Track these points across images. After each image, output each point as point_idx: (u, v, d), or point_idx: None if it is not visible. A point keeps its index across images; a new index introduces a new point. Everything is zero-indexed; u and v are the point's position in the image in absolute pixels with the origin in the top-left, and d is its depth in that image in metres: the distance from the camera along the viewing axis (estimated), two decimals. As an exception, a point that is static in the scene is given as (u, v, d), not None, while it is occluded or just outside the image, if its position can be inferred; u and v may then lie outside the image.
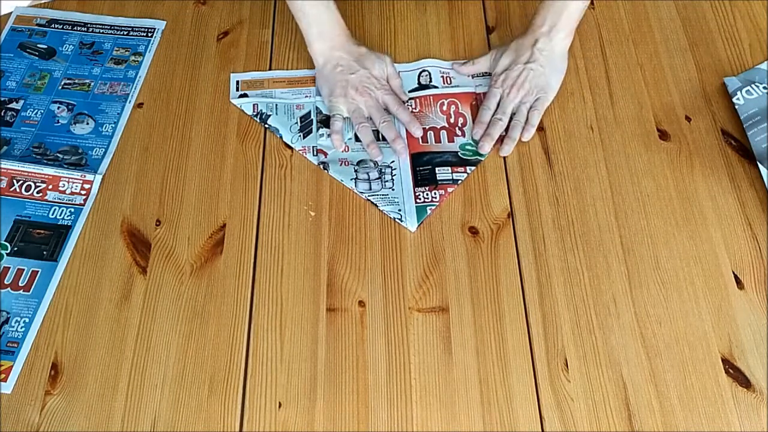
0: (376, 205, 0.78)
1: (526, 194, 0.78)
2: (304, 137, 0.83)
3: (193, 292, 0.73)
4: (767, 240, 0.74)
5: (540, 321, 0.70)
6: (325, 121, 0.84)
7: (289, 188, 0.80)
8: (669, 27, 0.92)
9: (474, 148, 0.81)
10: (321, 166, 0.81)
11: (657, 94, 0.86)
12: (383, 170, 0.80)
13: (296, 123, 0.84)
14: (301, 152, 0.82)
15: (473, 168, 0.80)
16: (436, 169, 0.80)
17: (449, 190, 0.78)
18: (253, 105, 0.85)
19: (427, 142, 0.82)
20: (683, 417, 0.65)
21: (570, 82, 0.87)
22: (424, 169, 0.80)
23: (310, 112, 0.85)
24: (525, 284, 0.72)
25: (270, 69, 0.90)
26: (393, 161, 0.81)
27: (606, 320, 0.70)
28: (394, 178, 0.80)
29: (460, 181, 0.79)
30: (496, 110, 0.82)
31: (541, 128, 0.83)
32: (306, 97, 0.86)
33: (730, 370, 0.67)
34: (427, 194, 0.78)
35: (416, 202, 0.78)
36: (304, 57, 0.88)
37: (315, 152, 0.82)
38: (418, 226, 0.76)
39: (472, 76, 0.88)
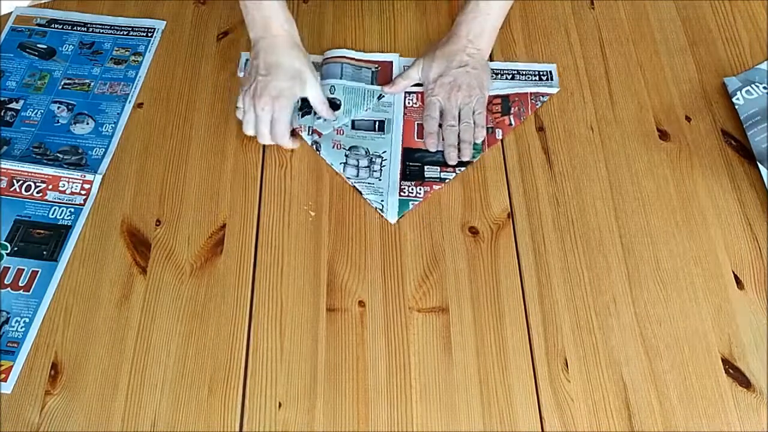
0: (360, 192, 0.78)
1: (526, 194, 0.78)
2: (302, 116, 0.83)
3: (193, 292, 0.73)
4: (767, 240, 0.74)
5: (540, 321, 0.70)
6: None
7: (289, 188, 0.80)
8: (669, 27, 0.92)
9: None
10: (314, 146, 0.82)
11: (657, 94, 0.86)
12: (373, 159, 0.81)
13: (297, 101, 0.84)
14: (298, 130, 0.82)
15: (463, 168, 0.80)
16: (426, 167, 0.80)
17: (435, 187, 0.79)
18: None
19: (422, 139, 0.82)
20: (683, 417, 0.65)
21: (570, 82, 0.87)
22: (414, 164, 0.81)
23: None
24: (525, 284, 0.72)
25: (270, 69, 0.90)
26: (385, 151, 0.81)
27: (606, 320, 0.70)
28: (382, 168, 0.80)
29: (447, 180, 0.79)
30: (441, 118, 0.82)
31: (541, 128, 0.83)
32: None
33: (730, 370, 0.67)
34: (412, 189, 0.79)
35: (400, 196, 0.78)
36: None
37: (310, 132, 0.82)
38: (398, 219, 0.77)
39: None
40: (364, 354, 0.69)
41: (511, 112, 0.84)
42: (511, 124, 0.83)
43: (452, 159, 0.80)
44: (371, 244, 0.76)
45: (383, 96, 0.86)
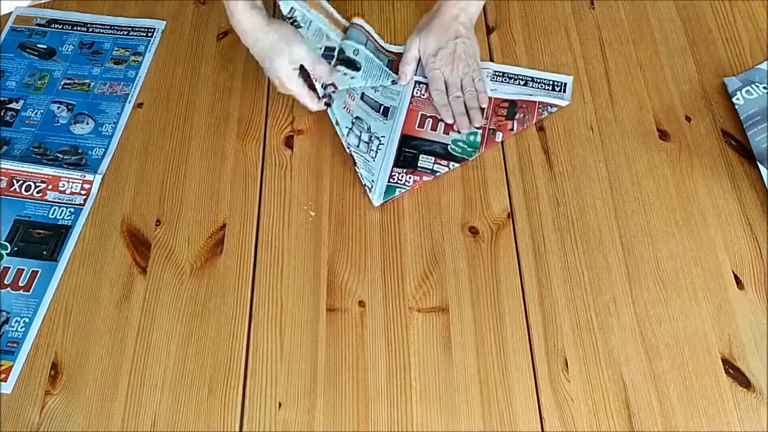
0: (355, 163, 0.79)
1: (526, 194, 0.78)
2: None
3: (193, 292, 0.73)
4: (767, 240, 0.74)
5: (540, 321, 0.70)
6: (345, 61, 0.84)
7: (289, 188, 0.80)
8: (669, 27, 0.91)
9: (465, 146, 0.81)
10: (325, 98, 0.82)
11: (657, 94, 0.86)
12: (372, 139, 0.81)
13: (320, 48, 0.84)
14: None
15: (456, 165, 0.80)
16: (421, 155, 0.81)
17: (425, 178, 0.79)
18: (291, 8, 0.84)
19: (423, 128, 0.83)
20: (683, 417, 0.65)
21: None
22: (410, 152, 0.81)
23: (335, 48, 0.85)
24: (525, 284, 0.72)
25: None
26: (383, 136, 0.82)
27: (606, 320, 0.70)
28: (378, 150, 0.81)
29: (439, 174, 0.79)
30: (446, 90, 0.84)
31: (541, 128, 0.83)
32: (338, 37, 0.87)
33: (730, 370, 0.67)
34: (401, 176, 0.79)
35: (389, 181, 0.79)
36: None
37: (324, 84, 0.82)
38: (383, 203, 0.77)
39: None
40: (364, 354, 0.69)
41: (516, 117, 0.84)
42: (512, 130, 0.83)
43: (465, 126, 0.82)
44: (371, 244, 0.76)
45: (396, 82, 0.87)
